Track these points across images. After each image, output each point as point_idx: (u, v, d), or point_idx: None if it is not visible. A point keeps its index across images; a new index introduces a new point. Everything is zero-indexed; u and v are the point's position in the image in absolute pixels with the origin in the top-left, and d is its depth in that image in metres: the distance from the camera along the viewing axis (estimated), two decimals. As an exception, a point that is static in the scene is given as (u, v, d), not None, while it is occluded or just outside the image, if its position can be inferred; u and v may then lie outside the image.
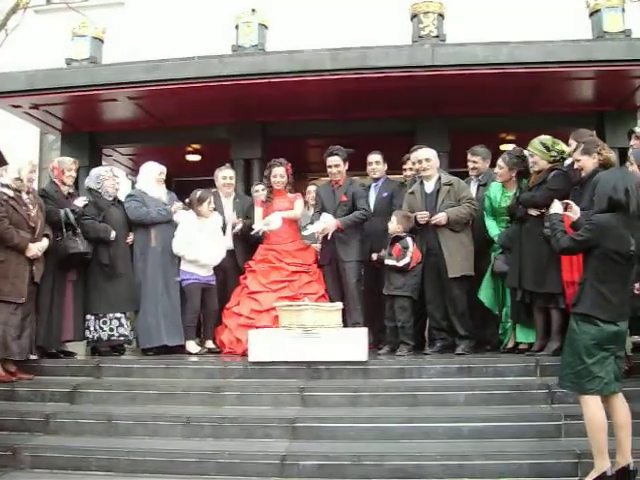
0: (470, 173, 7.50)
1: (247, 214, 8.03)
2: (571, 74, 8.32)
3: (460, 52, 8.20)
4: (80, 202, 7.17)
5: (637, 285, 5.19)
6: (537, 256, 6.26)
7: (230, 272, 7.77)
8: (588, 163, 5.74)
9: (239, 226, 7.82)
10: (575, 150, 5.97)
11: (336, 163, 7.53)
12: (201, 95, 8.80)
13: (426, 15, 8.86)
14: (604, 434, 4.45)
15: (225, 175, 8.07)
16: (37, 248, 6.53)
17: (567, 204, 5.04)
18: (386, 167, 7.93)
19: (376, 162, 7.82)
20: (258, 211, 7.81)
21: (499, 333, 7.04)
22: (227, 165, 8.48)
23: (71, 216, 6.95)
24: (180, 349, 7.29)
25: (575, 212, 4.99)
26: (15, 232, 6.37)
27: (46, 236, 6.71)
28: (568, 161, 6.45)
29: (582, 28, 8.73)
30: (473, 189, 7.28)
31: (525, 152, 6.69)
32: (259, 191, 8.28)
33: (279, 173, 7.70)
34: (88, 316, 7.21)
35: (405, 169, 7.92)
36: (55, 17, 12.01)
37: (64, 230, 6.91)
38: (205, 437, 5.52)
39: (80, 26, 9.64)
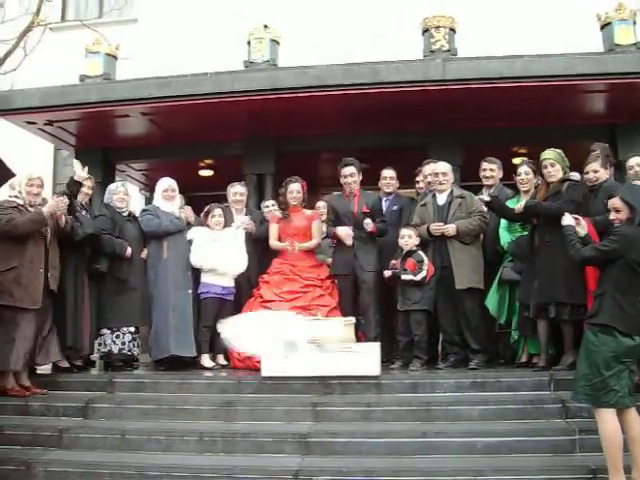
0: (484, 182, 7.47)
1: (259, 228, 8.03)
2: (583, 87, 8.34)
3: (471, 66, 8.23)
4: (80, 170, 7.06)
5: None
6: (565, 266, 6.06)
7: (244, 289, 7.75)
8: (604, 174, 6.25)
9: (249, 225, 7.83)
10: (592, 162, 6.31)
11: (351, 172, 7.52)
12: (213, 111, 8.86)
13: (437, 30, 8.90)
14: (619, 449, 4.44)
15: (236, 191, 8.07)
16: (51, 202, 6.53)
17: (576, 219, 5.07)
18: (398, 183, 7.95)
19: (390, 177, 7.88)
20: (274, 228, 7.82)
21: (510, 344, 7.00)
22: (239, 182, 8.46)
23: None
24: (193, 364, 7.29)
25: (583, 227, 5.03)
26: (19, 218, 6.37)
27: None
28: (575, 174, 6.54)
29: (594, 41, 8.74)
30: (485, 203, 7.27)
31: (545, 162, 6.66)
32: (269, 207, 8.32)
33: (295, 189, 7.70)
34: (104, 330, 7.25)
35: (418, 181, 7.93)
36: (69, 35, 12.13)
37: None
38: (218, 452, 5.52)
39: (94, 43, 9.76)
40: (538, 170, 6.78)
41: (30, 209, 6.56)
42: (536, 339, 6.62)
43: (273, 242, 7.78)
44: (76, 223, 6.88)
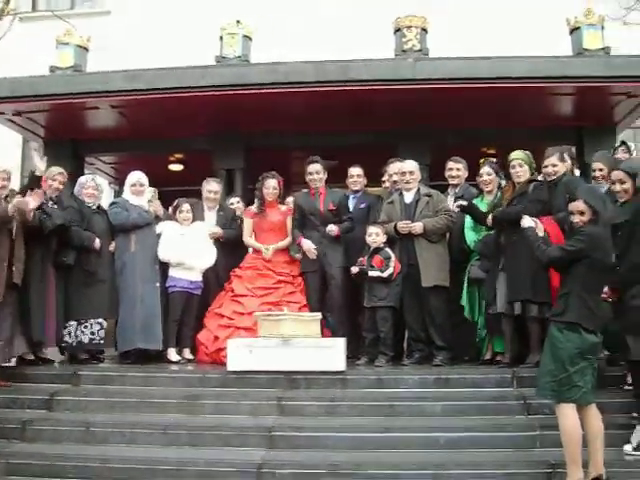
0: (450, 182, 7.54)
1: (231, 225, 8.04)
2: (551, 89, 8.47)
3: (442, 66, 8.33)
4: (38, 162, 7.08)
5: (605, 289, 5.23)
6: (531, 265, 6.10)
7: (212, 284, 7.74)
8: (562, 169, 6.47)
9: (219, 233, 7.82)
10: (550, 157, 6.51)
11: (317, 170, 7.56)
12: (183, 105, 8.86)
13: (409, 29, 8.98)
14: (578, 444, 4.53)
15: (210, 189, 8.03)
16: (17, 200, 6.48)
17: (534, 221, 5.16)
18: (365, 181, 7.99)
19: (357, 175, 7.87)
20: (248, 223, 7.84)
21: (475, 341, 7.08)
22: (215, 178, 8.45)
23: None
24: (159, 357, 7.28)
25: (540, 229, 5.11)
26: None
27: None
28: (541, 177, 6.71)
29: (562, 45, 8.86)
30: (450, 201, 7.32)
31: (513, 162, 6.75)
32: (234, 204, 8.33)
33: (272, 185, 7.70)
34: (71, 322, 7.19)
35: (384, 181, 7.98)
36: (41, 25, 12.06)
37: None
38: (182, 445, 5.52)
39: (65, 34, 9.68)
40: (505, 170, 6.88)
41: None
42: (502, 337, 6.71)
43: (247, 239, 7.80)
44: (44, 216, 6.82)
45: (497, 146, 9.60)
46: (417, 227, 6.90)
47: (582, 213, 4.74)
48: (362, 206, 7.80)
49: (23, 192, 6.83)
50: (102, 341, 7.29)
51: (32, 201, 6.54)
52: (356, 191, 7.91)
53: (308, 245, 7.39)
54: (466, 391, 6.07)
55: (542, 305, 6.23)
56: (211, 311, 7.46)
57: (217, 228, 7.83)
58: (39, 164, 7.04)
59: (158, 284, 7.35)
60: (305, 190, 7.80)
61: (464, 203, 6.87)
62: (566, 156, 6.58)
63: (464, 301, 7.00)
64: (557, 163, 6.47)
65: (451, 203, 7.30)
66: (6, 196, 6.65)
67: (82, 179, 7.76)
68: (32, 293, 6.86)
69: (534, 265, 5.87)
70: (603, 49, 8.54)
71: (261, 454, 5.28)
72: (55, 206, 7.12)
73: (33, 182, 6.90)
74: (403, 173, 7.21)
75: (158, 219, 7.63)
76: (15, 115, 9.59)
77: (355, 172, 7.90)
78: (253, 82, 8.59)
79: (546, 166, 6.55)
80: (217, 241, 7.75)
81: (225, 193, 9.46)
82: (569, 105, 9.08)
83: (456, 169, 7.49)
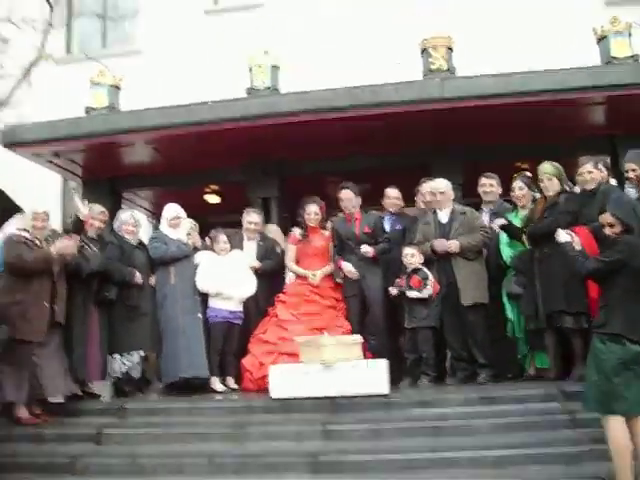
0: (484, 198, 7.53)
1: (270, 256, 8.09)
2: (582, 100, 8.39)
3: (470, 84, 8.33)
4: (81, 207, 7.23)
5: None
6: (564, 277, 6.17)
7: (252, 313, 7.80)
8: (598, 176, 6.42)
9: (255, 266, 7.87)
10: (586, 164, 6.47)
11: (348, 197, 7.61)
12: (216, 138, 8.96)
13: (435, 49, 8.99)
14: (628, 457, 4.47)
15: (250, 220, 8.11)
16: (60, 244, 6.62)
17: (569, 235, 5.13)
18: (402, 203, 8.03)
19: (395, 197, 7.91)
20: (291, 248, 7.90)
21: (518, 358, 7.01)
22: (255, 209, 8.54)
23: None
24: (203, 388, 7.34)
25: (577, 242, 5.07)
26: (30, 255, 6.47)
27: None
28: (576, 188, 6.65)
29: (591, 56, 8.82)
30: (485, 218, 7.32)
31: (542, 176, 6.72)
32: (272, 232, 8.39)
33: (313, 210, 7.76)
34: (115, 355, 7.30)
35: (417, 201, 7.98)
36: (75, 67, 12.31)
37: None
38: (229, 474, 5.53)
39: (98, 75, 9.89)
40: (536, 183, 6.86)
41: (37, 243, 6.66)
42: (544, 352, 6.65)
43: (291, 265, 7.87)
44: (82, 259, 6.96)
45: (530, 160, 9.52)
46: (453, 245, 6.90)
47: (612, 225, 4.72)
48: (398, 228, 7.81)
49: (67, 233, 7.02)
50: (141, 375, 7.39)
51: (73, 245, 6.69)
52: (392, 213, 7.93)
53: (348, 267, 7.40)
54: (512, 408, 5.99)
55: (578, 316, 6.15)
56: (255, 336, 7.51)
57: (255, 261, 7.87)
58: (81, 207, 7.19)
59: (199, 314, 7.44)
60: (341, 215, 7.83)
61: (504, 222, 6.83)
62: (601, 165, 6.55)
63: (509, 314, 6.94)
64: (592, 170, 6.43)
65: (486, 220, 7.29)
66: (47, 236, 6.80)
67: (122, 216, 7.90)
68: (75, 330, 7.00)
69: (567, 276, 5.85)
70: (632, 56, 8.47)
71: (307, 480, 5.28)
72: (95, 249, 7.23)
73: (77, 225, 7.05)
74: (434, 193, 7.22)
75: (196, 250, 7.72)
76: (54, 156, 9.81)
77: (392, 194, 7.93)
78: (284, 111, 8.68)
79: (581, 174, 6.49)
80: (256, 272, 7.80)
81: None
82: (601, 115, 9.00)
83: (489, 185, 7.47)
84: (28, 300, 6.46)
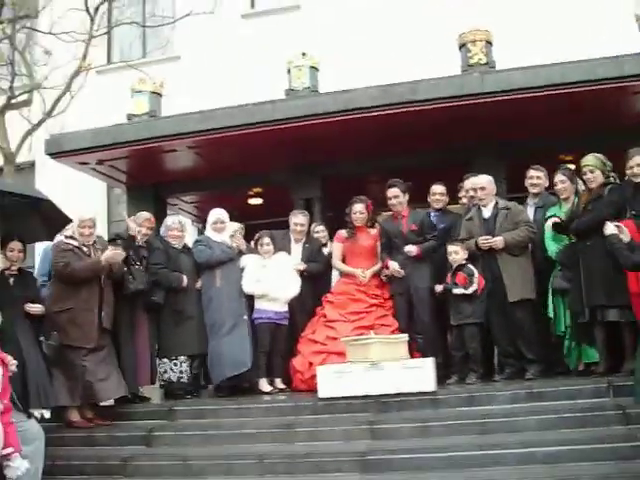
0: (530, 190, 7.39)
1: (316, 257, 8.10)
2: (632, 89, 8.24)
3: (509, 77, 8.27)
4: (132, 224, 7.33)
5: None
6: (606, 270, 6.09)
7: (298, 312, 7.83)
8: None
9: (301, 268, 7.90)
10: (636, 156, 6.17)
11: (395, 194, 7.55)
12: (257, 140, 9.04)
13: (474, 44, 8.94)
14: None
15: (297, 222, 8.11)
16: (109, 254, 6.71)
17: (618, 226, 5.04)
18: (447, 199, 7.97)
19: (440, 193, 7.84)
20: (338, 247, 7.89)
21: (564, 354, 6.93)
22: (302, 211, 8.56)
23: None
24: (252, 389, 7.42)
25: (626, 234, 4.99)
26: (77, 264, 6.58)
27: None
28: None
29: (633, 43, 8.67)
30: (530, 212, 7.23)
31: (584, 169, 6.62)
32: (319, 232, 8.41)
33: (359, 210, 7.74)
34: (164, 359, 7.42)
35: (460, 197, 7.94)
36: (116, 75, 12.52)
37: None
38: (278, 474, 5.55)
39: (139, 82, 10.04)
40: (579, 176, 6.76)
41: (85, 250, 6.78)
42: (592, 346, 6.56)
43: (338, 263, 7.87)
44: (129, 276, 7.04)
45: (574, 153, 9.40)
46: (498, 242, 6.83)
47: None
48: (442, 225, 7.72)
49: (113, 241, 7.22)
50: (189, 379, 7.46)
51: (120, 254, 6.82)
52: (438, 209, 7.87)
53: (394, 266, 7.39)
54: (560, 404, 5.91)
55: (621, 309, 6.07)
56: (304, 337, 7.53)
57: (300, 263, 7.90)
58: (131, 225, 7.31)
59: (246, 317, 7.49)
60: (389, 213, 7.82)
61: (556, 220, 6.71)
62: None
63: (550, 313, 6.86)
64: None
65: (531, 213, 7.21)
66: (94, 242, 6.92)
67: (168, 221, 8.00)
68: (124, 335, 7.10)
69: (608, 269, 5.77)
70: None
71: (356, 479, 5.29)
72: (143, 254, 7.33)
73: (128, 241, 7.21)
74: (474, 190, 7.16)
75: (241, 254, 7.77)
76: (98, 164, 9.99)
77: (438, 190, 7.86)
78: (323, 111, 8.72)
79: (631, 167, 6.29)
80: (302, 274, 7.84)
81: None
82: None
83: (537, 177, 7.34)
84: (77, 307, 6.56)
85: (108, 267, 6.76)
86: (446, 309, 7.19)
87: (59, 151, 9.70)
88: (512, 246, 6.82)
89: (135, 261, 7.18)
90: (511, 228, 6.88)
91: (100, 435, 6.48)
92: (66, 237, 6.77)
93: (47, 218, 6.45)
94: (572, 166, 7.38)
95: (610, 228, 5.07)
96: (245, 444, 6.06)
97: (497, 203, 7.09)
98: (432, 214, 7.85)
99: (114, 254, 6.73)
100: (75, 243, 6.74)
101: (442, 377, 6.82)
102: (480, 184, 7.12)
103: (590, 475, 4.91)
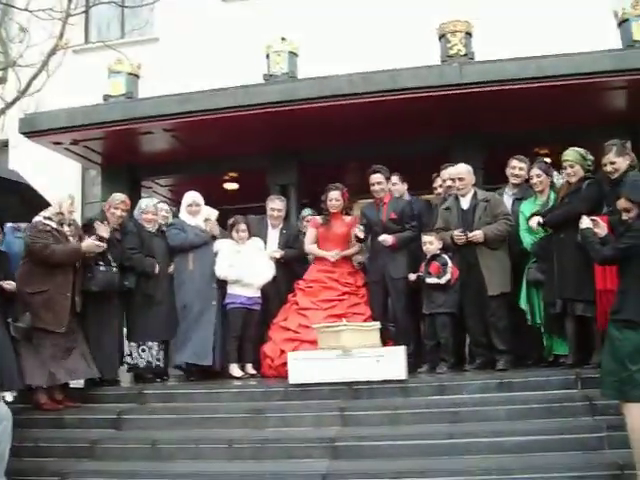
0: (511, 181, 7.40)
1: (293, 244, 8.08)
2: (602, 85, 8.31)
3: (488, 69, 8.29)
4: (103, 231, 7.04)
5: None
6: (576, 264, 6.16)
7: (272, 298, 7.82)
8: (623, 164, 6.02)
9: (278, 255, 7.88)
10: (608, 153, 6.10)
11: (379, 181, 7.49)
12: (234, 124, 8.99)
13: (454, 34, 8.95)
14: (647, 443, 4.42)
15: (274, 207, 8.08)
16: (90, 244, 6.66)
17: (594, 220, 5.07)
18: (406, 186, 7.93)
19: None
20: (311, 232, 7.86)
21: (541, 346, 6.95)
22: (279, 196, 8.53)
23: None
24: (222, 374, 7.41)
25: (602, 228, 5.02)
26: (57, 248, 6.50)
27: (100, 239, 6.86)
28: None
29: (611, 38, 8.72)
30: (508, 202, 7.24)
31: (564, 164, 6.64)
32: (307, 218, 8.40)
33: (335, 197, 7.71)
34: (131, 344, 7.37)
35: (435, 187, 7.93)
36: (93, 55, 12.34)
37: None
38: (247, 459, 5.56)
39: (116, 63, 9.93)
40: (556, 169, 6.79)
41: (65, 231, 6.71)
42: (563, 338, 6.61)
43: (310, 247, 7.84)
44: (89, 274, 6.90)
45: (550, 146, 9.46)
46: (478, 236, 6.78)
47: (628, 210, 4.66)
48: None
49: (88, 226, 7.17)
50: (160, 363, 7.43)
51: (99, 246, 6.78)
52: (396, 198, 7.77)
53: (357, 228, 7.36)
54: (530, 394, 5.96)
55: (590, 304, 6.14)
56: (276, 324, 7.52)
57: (277, 250, 7.89)
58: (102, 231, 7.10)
59: (215, 302, 7.47)
60: (371, 200, 7.80)
61: (540, 220, 6.65)
62: (627, 152, 6.24)
63: (523, 304, 6.90)
64: (615, 159, 6.08)
65: (508, 203, 7.22)
66: (70, 224, 6.86)
67: (142, 204, 7.91)
68: (94, 319, 7.04)
69: (579, 263, 5.81)
70: (654, 40, 8.37)
71: (325, 465, 5.29)
72: (117, 234, 7.25)
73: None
74: (453, 179, 7.16)
75: (214, 238, 7.73)
76: (72, 144, 9.88)
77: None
78: (302, 97, 8.69)
79: (604, 165, 6.24)
80: (278, 260, 7.82)
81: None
82: (622, 99, 8.90)
83: (519, 168, 7.32)
84: (52, 290, 6.50)
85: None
86: (419, 299, 7.21)
87: (33, 130, 9.59)
88: (492, 240, 6.81)
89: (98, 261, 6.99)
90: (490, 221, 6.86)
91: (69, 417, 6.42)
92: (45, 218, 6.68)
93: (26, 200, 6.35)
94: (547, 159, 7.39)
95: (585, 222, 5.08)
96: (215, 429, 6.06)
97: (476, 194, 7.06)
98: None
99: (95, 246, 6.68)
100: (54, 225, 6.66)
101: (413, 366, 6.84)
102: (459, 174, 7.09)
103: (557, 465, 4.98)
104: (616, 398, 4.64)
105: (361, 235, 7.33)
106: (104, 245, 6.76)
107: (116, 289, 7.13)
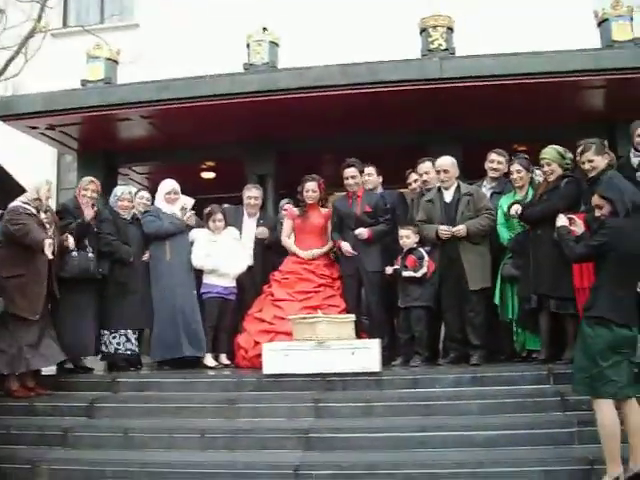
0: (490, 174, 7.41)
1: (273, 233, 8.06)
2: (581, 83, 8.35)
3: (468, 64, 8.28)
4: (90, 213, 7.13)
5: None
6: (552, 260, 6.16)
7: (248, 288, 7.81)
8: (601, 163, 6.01)
9: (264, 234, 7.88)
10: (586, 152, 6.07)
11: (353, 174, 7.52)
12: (213, 113, 8.92)
13: (435, 29, 8.94)
14: (617, 439, 4.47)
15: (250, 195, 8.06)
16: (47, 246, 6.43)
17: (570, 218, 5.10)
18: (381, 179, 7.91)
19: (368, 174, 7.68)
20: (288, 223, 7.87)
21: (513, 341, 7.00)
22: (256, 185, 8.51)
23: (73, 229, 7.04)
24: (196, 363, 7.36)
25: (579, 226, 5.06)
26: (33, 233, 6.41)
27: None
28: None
29: (591, 38, 8.77)
30: (487, 195, 7.25)
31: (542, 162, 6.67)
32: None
33: (311, 188, 7.71)
34: (104, 331, 7.32)
35: (410, 183, 7.92)
36: (71, 40, 12.23)
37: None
38: (220, 449, 5.57)
39: (95, 48, 9.82)
40: (535, 165, 6.83)
41: (42, 215, 6.66)
42: (536, 334, 6.66)
43: (286, 240, 7.84)
44: (63, 260, 6.89)
45: (528, 143, 9.50)
46: (461, 230, 6.78)
47: (600, 207, 4.70)
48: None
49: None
50: (128, 352, 7.37)
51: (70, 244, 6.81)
52: (371, 190, 7.73)
53: (346, 247, 7.38)
54: (502, 389, 6.02)
55: (564, 301, 6.19)
56: (251, 315, 7.50)
57: (264, 229, 7.89)
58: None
59: (195, 291, 7.44)
60: (344, 193, 7.80)
61: (518, 212, 6.66)
62: (606, 150, 6.25)
63: (497, 299, 6.94)
64: (593, 158, 6.05)
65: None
66: (46, 211, 6.80)
67: (118, 191, 7.84)
68: (67, 305, 6.99)
69: (555, 260, 5.85)
70: (632, 40, 8.42)
71: (298, 456, 5.31)
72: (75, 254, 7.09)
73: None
74: (438, 171, 7.11)
75: (190, 228, 7.69)
76: (48, 129, 9.76)
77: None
78: (281, 87, 8.64)
79: (583, 163, 6.20)
80: (258, 245, 7.81)
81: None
82: (600, 99, 8.96)
83: (497, 162, 7.34)
84: (28, 276, 6.46)
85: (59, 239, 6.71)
86: (393, 292, 7.24)
87: (8, 114, 9.45)
88: (474, 235, 6.82)
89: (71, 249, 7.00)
90: (472, 215, 6.86)
91: (41, 405, 6.39)
92: (23, 202, 6.61)
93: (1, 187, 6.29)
94: (526, 156, 7.42)
95: (561, 220, 5.12)
96: (188, 418, 6.05)
97: (459, 187, 7.05)
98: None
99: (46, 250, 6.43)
100: (32, 210, 6.60)
101: (387, 359, 6.86)
102: (444, 166, 7.05)
103: (527, 459, 5.04)
104: (587, 394, 4.68)
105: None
106: (50, 256, 6.47)
107: (91, 276, 7.07)
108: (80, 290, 7.06)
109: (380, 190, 7.90)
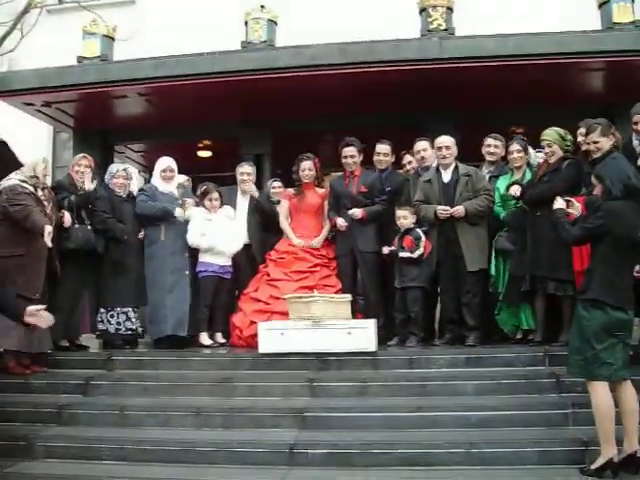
0: (487, 158, 7.40)
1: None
2: (581, 65, 8.33)
3: (468, 45, 8.26)
4: (89, 185, 7.15)
5: (637, 267, 5.17)
6: (551, 242, 6.11)
7: (244, 266, 7.80)
8: (606, 145, 5.84)
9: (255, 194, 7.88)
10: (591, 133, 5.94)
11: (352, 154, 7.50)
12: (209, 91, 8.88)
13: (435, 9, 8.91)
14: (611, 421, 4.47)
15: (243, 171, 8.01)
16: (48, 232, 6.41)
17: (568, 201, 5.09)
18: (393, 159, 7.88)
19: (384, 154, 7.69)
20: (284, 205, 7.86)
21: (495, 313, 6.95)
22: (248, 161, 8.48)
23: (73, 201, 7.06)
24: (192, 342, 7.37)
25: (576, 208, 5.05)
26: (33, 215, 6.38)
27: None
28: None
29: (591, 20, 8.73)
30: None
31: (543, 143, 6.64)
32: (275, 188, 8.35)
33: (307, 167, 7.70)
34: (100, 309, 7.31)
35: (404, 165, 7.89)
36: (67, 16, 12.13)
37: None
38: (215, 427, 5.57)
39: (91, 24, 9.75)
40: (533, 147, 6.81)
41: (39, 193, 6.62)
42: (521, 310, 6.68)
43: (285, 225, 7.83)
44: (64, 234, 6.91)
45: (526, 125, 9.47)
46: (460, 211, 6.75)
47: (594, 186, 4.70)
48: (388, 188, 7.60)
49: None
50: (128, 331, 7.38)
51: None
52: (382, 171, 7.74)
53: (340, 221, 7.37)
54: (497, 370, 6.03)
55: (563, 283, 6.19)
56: (247, 294, 7.49)
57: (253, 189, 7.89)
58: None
59: (187, 272, 7.42)
60: (341, 173, 7.76)
61: (517, 193, 6.63)
62: (612, 130, 6.00)
63: (492, 271, 6.90)
64: (598, 139, 5.86)
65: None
66: (43, 188, 6.76)
67: (112, 168, 7.79)
68: (67, 284, 6.99)
69: (554, 242, 5.83)
70: (633, 22, 8.38)
71: (293, 435, 5.31)
72: (77, 226, 7.12)
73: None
74: (439, 148, 7.05)
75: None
76: (44, 106, 9.70)
77: (382, 150, 7.68)
78: (279, 66, 8.59)
79: (588, 143, 6.08)
80: (252, 224, 7.79)
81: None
82: (599, 81, 8.94)
83: (494, 146, 7.33)
84: (29, 256, 6.40)
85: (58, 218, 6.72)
86: (390, 272, 7.23)
87: (4, 90, 9.38)
88: (473, 216, 6.80)
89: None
90: (471, 195, 6.84)
91: (36, 382, 6.38)
92: (21, 181, 6.56)
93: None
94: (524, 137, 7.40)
95: (559, 202, 5.10)
96: (183, 396, 6.05)
97: (457, 167, 7.02)
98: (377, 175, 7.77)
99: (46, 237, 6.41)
100: (30, 188, 6.56)
101: (383, 339, 6.86)
102: (446, 142, 7.01)
103: (522, 440, 5.04)
104: (582, 376, 4.69)
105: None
106: (49, 244, 6.44)
107: (93, 247, 7.08)
108: (80, 266, 7.07)
109: (389, 170, 7.82)
